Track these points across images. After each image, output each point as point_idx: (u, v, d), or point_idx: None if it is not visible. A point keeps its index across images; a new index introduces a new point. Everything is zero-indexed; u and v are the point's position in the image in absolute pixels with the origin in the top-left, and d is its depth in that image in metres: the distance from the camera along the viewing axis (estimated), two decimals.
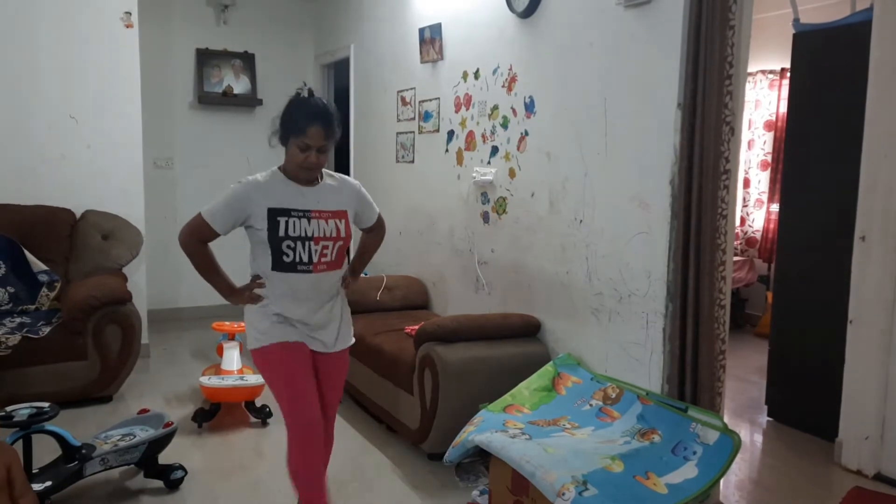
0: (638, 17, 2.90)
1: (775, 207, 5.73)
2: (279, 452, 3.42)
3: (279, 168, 2.41)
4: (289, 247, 2.32)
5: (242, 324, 4.13)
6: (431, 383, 3.14)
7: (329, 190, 2.44)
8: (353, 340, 2.62)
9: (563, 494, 2.19)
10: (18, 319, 3.86)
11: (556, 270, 3.40)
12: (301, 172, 2.35)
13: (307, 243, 2.33)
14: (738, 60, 2.56)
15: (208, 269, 2.41)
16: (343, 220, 2.43)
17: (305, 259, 2.34)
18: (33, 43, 4.39)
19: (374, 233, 2.72)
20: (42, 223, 4.27)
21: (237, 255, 2.76)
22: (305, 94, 2.36)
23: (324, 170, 2.45)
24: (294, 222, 2.32)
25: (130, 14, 4.61)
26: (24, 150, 4.43)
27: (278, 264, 2.34)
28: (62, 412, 2.78)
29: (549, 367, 3.13)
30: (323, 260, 2.37)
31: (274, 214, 2.31)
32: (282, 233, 2.31)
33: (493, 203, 3.86)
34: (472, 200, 4.05)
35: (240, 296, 2.44)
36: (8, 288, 4.01)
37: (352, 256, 2.72)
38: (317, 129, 2.26)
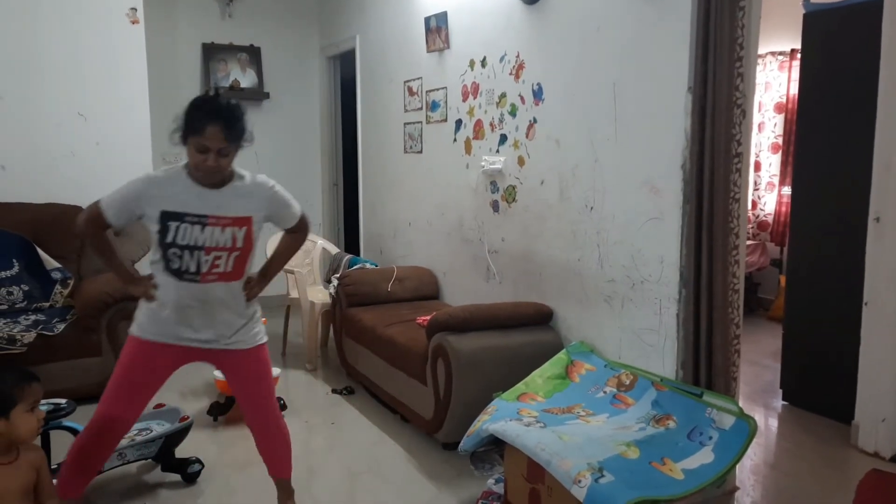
0: (646, 0, 2.87)
1: (787, 190, 5.68)
2: (295, 444, 3.43)
3: (185, 166, 2.26)
4: (175, 255, 2.20)
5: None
6: (444, 373, 3.14)
7: (235, 193, 2.27)
8: (264, 340, 2.47)
9: (580, 481, 2.19)
10: (33, 317, 3.88)
11: (567, 258, 3.39)
12: (201, 176, 2.21)
13: (196, 253, 2.20)
14: (748, 42, 2.53)
15: (105, 254, 2.35)
16: (244, 229, 2.26)
17: (193, 269, 2.22)
18: (40, 41, 4.40)
19: (297, 234, 2.55)
20: (53, 221, 4.29)
21: None
22: (210, 91, 2.25)
23: (236, 170, 2.30)
24: (185, 229, 2.19)
25: (136, 10, 4.61)
26: (33, 148, 4.45)
27: (167, 268, 2.23)
28: (78, 408, 2.80)
29: (562, 355, 3.13)
30: (214, 270, 2.23)
31: (166, 218, 2.19)
32: (169, 239, 2.19)
33: (503, 192, 3.85)
34: (482, 189, 4.04)
35: (137, 286, 2.33)
36: (22, 286, 4.04)
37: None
38: (215, 129, 2.12)
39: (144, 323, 2.33)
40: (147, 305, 2.33)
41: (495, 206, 3.93)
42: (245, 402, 2.50)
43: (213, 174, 2.20)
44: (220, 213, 2.22)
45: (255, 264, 2.45)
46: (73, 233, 2.34)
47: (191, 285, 2.24)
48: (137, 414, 2.39)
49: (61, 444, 2.80)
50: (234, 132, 2.17)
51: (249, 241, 2.28)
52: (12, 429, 1.83)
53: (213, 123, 2.12)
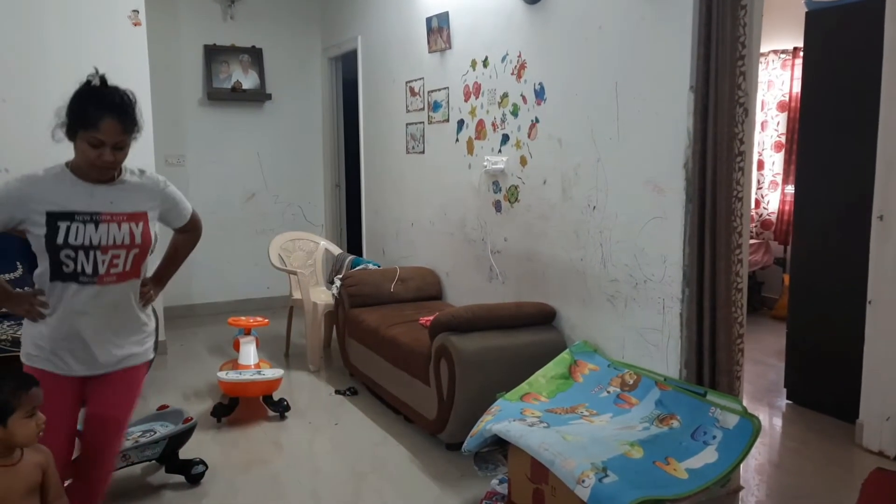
0: None
1: (790, 189, 5.67)
2: (298, 445, 3.45)
3: (67, 164, 2.09)
4: (69, 256, 2.02)
5: (258, 318, 4.18)
6: (447, 373, 3.14)
7: (127, 188, 2.12)
8: (150, 356, 2.30)
9: (583, 481, 2.18)
10: None
11: (570, 257, 3.38)
12: (93, 171, 2.04)
13: (92, 252, 2.03)
14: (750, 40, 2.53)
15: None
16: (141, 224, 2.12)
17: (89, 270, 2.04)
18: (42, 44, 4.41)
19: (189, 234, 2.41)
20: None
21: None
22: (97, 82, 2.02)
23: (124, 164, 2.14)
24: (77, 228, 2.01)
25: (138, 12, 4.62)
26: (36, 150, 4.41)
27: (57, 274, 2.04)
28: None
29: (565, 355, 3.13)
30: (112, 271, 2.07)
31: (54, 219, 2.00)
32: (61, 240, 2.00)
33: (505, 191, 3.85)
34: (484, 189, 4.04)
35: (17, 303, 2.12)
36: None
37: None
38: (111, 122, 1.96)
39: (30, 350, 2.12)
40: (32, 327, 2.12)
41: (498, 206, 3.93)
42: (92, 419, 2.19)
43: (108, 170, 2.06)
44: (113, 209, 2.07)
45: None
46: None
47: (87, 288, 2.06)
48: (68, 452, 2.14)
49: None
50: (131, 123, 2.02)
51: (148, 238, 2.15)
52: (9, 436, 1.83)
53: (108, 116, 1.96)
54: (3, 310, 3.88)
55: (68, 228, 2.01)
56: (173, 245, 2.43)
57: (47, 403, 1.96)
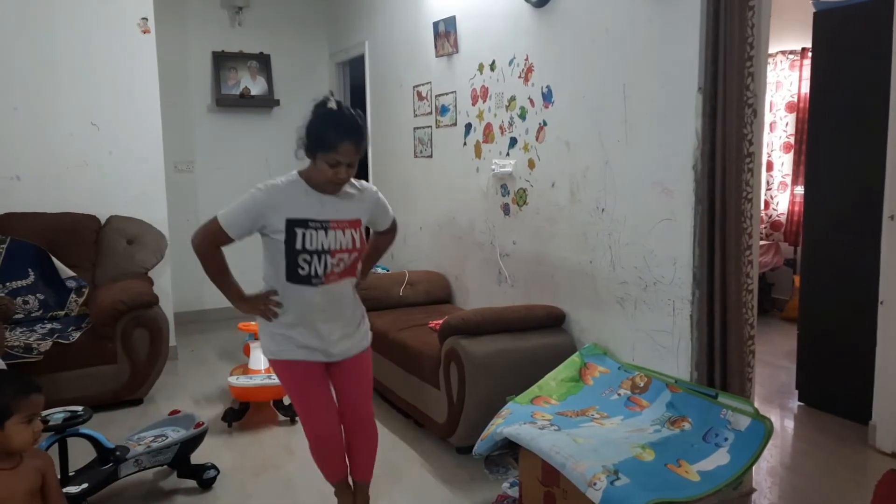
0: (655, 0, 2.86)
1: (800, 190, 5.65)
2: (308, 449, 3.45)
3: (299, 173, 2.33)
4: (305, 260, 2.25)
5: None
6: (457, 377, 3.14)
7: (348, 197, 2.36)
8: (370, 340, 2.59)
9: (595, 484, 2.18)
10: (49, 325, 3.92)
11: (579, 260, 3.38)
12: (328, 186, 2.28)
13: (324, 256, 2.27)
14: (758, 41, 2.52)
15: (220, 273, 2.36)
16: (358, 230, 2.36)
17: (320, 272, 2.27)
18: (53, 52, 4.45)
19: (387, 235, 2.66)
20: (68, 230, 4.34)
21: (249, 258, 2.70)
22: (333, 105, 2.23)
23: None
24: (311, 234, 2.25)
25: (147, 20, 4.66)
26: (47, 158, 4.50)
27: (293, 276, 2.27)
28: (95, 415, 2.82)
29: (575, 358, 3.12)
30: (335, 271, 2.31)
31: (292, 225, 2.24)
32: (299, 245, 2.24)
33: (513, 195, 3.85)
34: (492, 193, 4.04)
35: (250, 305, 2.38)
36: (38, 295, 4.08)
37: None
38: (349, 145, 2.18)
39: (277, 346, 2.38)
40: (269, 326, 2.37)
41: (506, 210, 3.93)
42: (343, 399, 2.51)
43: (343, 185, 2.30)
44: (339, 216, 2.29)
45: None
46: (195, 253, 2.33)
47: (318, 289, 2.29)
48: (333, 418, 2.45)
49: (78, 451, 2.82)
50: (364, 144, 2.24)
51: (364, 241, 2.40)
52: (6, 440, 1.84)
53: (347, 140, 2.17)
54: (16, 316, 3.92)
55: (304, 235, 2.24)
56: (374, 243, 2.66)
57: (309, 387, 2.36)
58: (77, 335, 3.79)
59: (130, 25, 4.62)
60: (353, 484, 2.61)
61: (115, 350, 3.83)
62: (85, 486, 2.64)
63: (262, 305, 2.34)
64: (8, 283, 4.02)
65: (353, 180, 2.39)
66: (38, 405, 1.93)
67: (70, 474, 2.72)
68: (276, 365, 2.42)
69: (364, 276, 2.59)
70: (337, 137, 2.17)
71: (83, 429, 2.72)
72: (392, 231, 2.66)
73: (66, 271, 4.19)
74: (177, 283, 5.06)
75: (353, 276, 2.41)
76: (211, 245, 2.31)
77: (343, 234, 2.30)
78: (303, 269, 2.26)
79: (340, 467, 2.54)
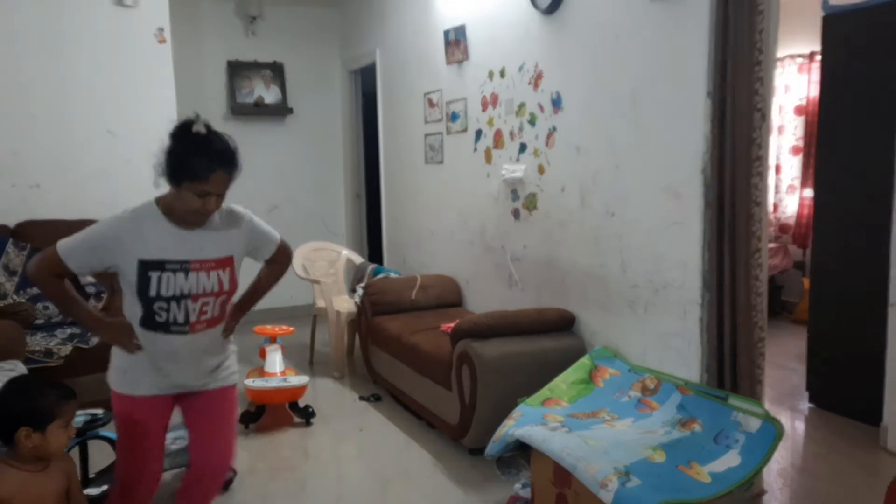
0: (664, 6, 2.90)
1: (808, 193, 5.65)
2: (324, 451, 3.50)
3: (157, 201, 2.04)
4: (161, 308, 1.99)
5: (283, 327, 4.24)
6: (469, 379, 3.18)
7: (215, 233, 2.07)
8: (234, 382, 2.28)
9: (606, 486, 2.20)
10: (69, 330, 3.99)
11: (589, 264, 3.41)
12: (192, 217, 2.00)
13: (183, 302, 2.00)
14: (767, 46, 2.54)
15: (63, 303, 2.06)
16: (227, 270, 2.08)
17: (181, 320, 2.02)
18: (70, 62, 4.53)
19: (276, 264, 2.33)
20: None
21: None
22: (202, 129, 1.94)
23: None
24: (168, 278, 1.97)
25: (163, 30, 4.74)
26: (66, 166, 4.58)
27: (149, 323, 2.01)
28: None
29: (585, 360, 3.15)
30: (202, 318, 2.05)
31: (146, 268, 1.96)
32: (153, 292, 1.97)
33: (524, 200, 3.89)
34: (503, 198, 4.08)
35: (115, 332, 2.08)
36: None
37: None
38: (221, 174, 1.93)
39: (125, 382, 2.13)
40: (122, 357, 2.12)
41: (516, 214, 3.97)
42: (198, 437, 2.23)
43: (209, 216, 2.03)
44: (202, 255, 2.02)
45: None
46: (27, 277, 2.03)
47: (179, 338, 2.04)
48: (154, 467, 2.20)
49: (98, 454, 2.88)
50: (237, 171, 2.00)
51: (234, 283, 2.12)
52: (45, 443, 1.89)
53: (219, 169, 1.93)
54: (37, 321, 3.99)
55: (160, 279, 1.97)
56: (258, 277, 2.35)
57: (138, 424, 2.08)
58: (96, 339, 3.85)
59: (147, 35, 4.70)
60: None
61: None
62: (105, 487, 2.69)
63: (125, 338, 2.06)
64: (29, 290, 4.10)
65: (222, 207, 2.09)
66: (74, 411, 1.98)
67: (90, 476, 2.77)
68: (116, 395, 2.15)
69: (241, 312, 2.28)
70: (207, 166, 1.91)
71: (103, 431, 2.78)
72: (281, 257, 2.32)
73: (85, 277, 4.26)
74: None
75: (221, 322, 2.15)
76: (49, 274, 2.00)
77: (207, 277, 2.02)
78: (160, 316, 2.00)
79: None
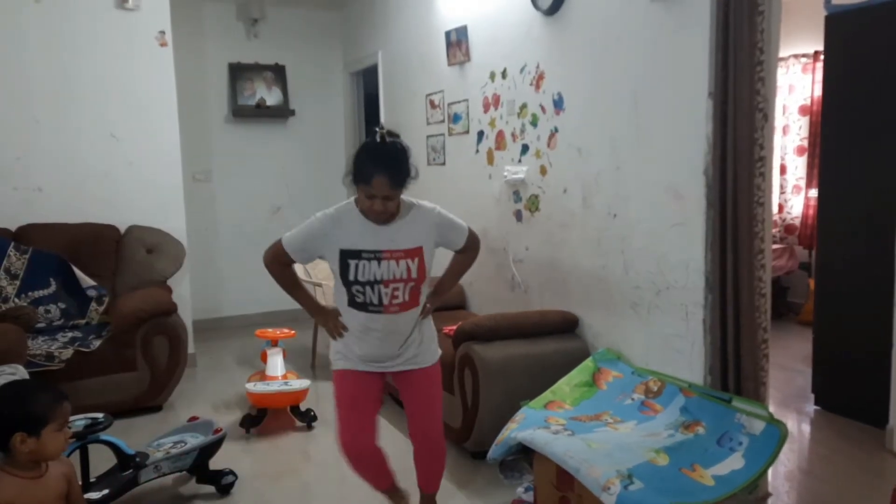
0: (665, 7, 2.89)
1: (814, 193, 5.62)
2: (325, 455, 3.48)
3: (356, 202, 2.33)
4: (358, 291, 2.29)
5: (285, 330, 4.23)
6: (472, 382, 3.16)
7: (405, 226, 2.32)
8: (439, 354, 2.56)
9: (609, 489, 2.19)
10: (70, 334, 3.99)
11: (592, 265, 3.40)
12: (372, 216, 2.28)
13: (377, 287, 2.28)
14: (768, 46, 2.53)
15: (291, 287, 2.46)
16: (416, 259, 2.31)
17: (376, 301, 2.29)
18: (72, 65, 4.54)
19: (467, 252, 2.57)
20: (89, 240, 4.41)
21: None
22: (378, 137, 2.23)
23: (403, 199, 2.35)
24: (364, 266, 2.26)
25: (164, 33, 4.74)
26: (68, 170, 4.58)
27: (352, 302, 2.33)
28: (115, 422, 2.86)
29: (588, 363, 3.13)
30: (394, 302, 2.31)
31: (345, 256, 2.27)
32: (352, 277, 2.27)
33: (526, 201, 3.87)
34: (505, 199, 4.07)
35: (325, 317, 2.45)
36: (59, 304, 4.14)
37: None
38: (381, 179, 2.16)
39: (339, 356, 2.45)
40: (338, 342, 2.45)
41: (519, 216, 3.95)
42: (411, 414, 2.55)
43: (381, 217, 2.26)
44: (393, 246, 2.27)
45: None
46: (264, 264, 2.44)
47: (377, 316, 2.32)
48: (370, 435, 2.46)
49: (98, 458, 2.87)
50: (400, 180, 2.22)
51: (422, 271, 2.34)
52: (41, 447, 1.88)
53: (379, 174, 2.16)
54: (38, 325, 3.99)
55: (357, 266, 2.26)
56: (452, 262, 2.62)
57: (357, 393, 2.41)
58: (98, 343, 3.85)
59: (148, 39, 4.71)
60: (420, 495, 2.66)
61: (136, 357, 3.89)
62: (106, 492, 2.68)
63: (331, 323, 2.42)
64: (30, 293, 4.10)
65: (413, 202, 2.38)
66: (69, 413, 1.98)
67: (91, 480, 2.76)
68: (336, 372, 2.47)
69: (438, 295, 2.56)
70: (370, 169, 2.17)
71: (104, 435, 2.76)
72: (472, 247, 2.56)
73: (86, 280, 4.26)
74: (195, 291, 5.13)
75: (415, 307, 2.39)
76: (277, 262, 2.39)
77: (397, 265, 2.28)
78: (358, 297, 2.30)
79: (379, 478, 2.57)
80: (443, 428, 2.57)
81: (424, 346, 2.48)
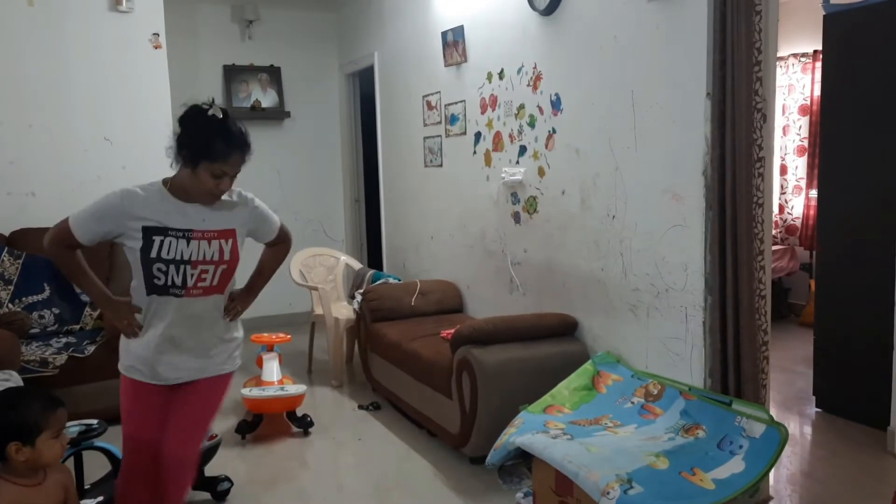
0: (662, 7, 2.86)
1: (814, 193, 5.60)
2: (322, 461, 3.46)
3: (164, 182, 2.19)
4: (160, 270, 2.11)
5: (281, 335, 4.21)
6: (470, 387, 3.13)
7: (219, 207, 2.21)
8: (238, 364, 2.38)
9: (608, 493, 2.16)
10: (64, 339, 3.95)
11: (590, 267, 3.37)
12: (205, 198, 2.15)
13: (182, 266, 2.12)
14: (766, 45, 2.51)
15: (76, 275, 2.23)
16: (230, 241, 2.20)
17: (179, 283, 2.13)
18: (66, 69, 4.51)
19: (277, 247, 2.49)
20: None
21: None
22: (219, 113, 2.10)
23: None
24: (171, 242, 2.11)
25: (158, 35, 4.72)
26: (62, 174, 4.55)
27: (150, 287, 2.14)
28: (110, 428, 2.83)
29: (588, 366, 3.11)
30: (200, 284, 2.16)
31: (149, 233, 2.10)
32: (153, 254, 2.10)
33: (524, 203, 3.84)
34: (503, 201, 4.04)
35: (116, 310, 2.23)
36: (53, 309, 4.11)
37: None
38: (238, 156, 2.11)
39: (127, 361, 2.25)
40: (128, 342, 2.24)
41: (517, 218, 3.92)
42: (174, 423, 2.25)
43: (217, 196, 2.16)
44: (204, 226, 2.16)
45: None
46: (44, 252, 2.21)
47: (174, 300, 2.15)
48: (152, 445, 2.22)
49: (93, 464, 2.84)
50: (250, 154, 2.17)
51: (236, 255, 2.22)
52: (37, 456, 1.86)
53: (237, 151, 2.10)
54: (32, 330, 3.96)
55: (161, 242, 2.11)
56: (262, 258, 2.52)
57: (136, 410, 2.21)
58: (92, 349, 3.82)
59: (142, 41, 4.68)
60: None
61: None
62: (101, 498, 2.65)
63: (126, 320, 2.21)
64: (24, 298, 4.07)
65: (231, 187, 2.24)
66: (64, 420, 1.96)
67: (86, 487, 2.74)
68: (122, 377, 2.27)
69: (249, 295, 2.42)
70: (226, 148, 2.07)
71: (98, 442, 2.74)
72: (282, 242, 2.48)
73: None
74: None
75: (219, 294, 2.23)
76: (60, 246, 2.17)
77: (208, 245, 2.15)
78: (158, 279, 2.12)
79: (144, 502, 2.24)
80: (191, 454, 2.30)
81: (215, 358, 2.29)
